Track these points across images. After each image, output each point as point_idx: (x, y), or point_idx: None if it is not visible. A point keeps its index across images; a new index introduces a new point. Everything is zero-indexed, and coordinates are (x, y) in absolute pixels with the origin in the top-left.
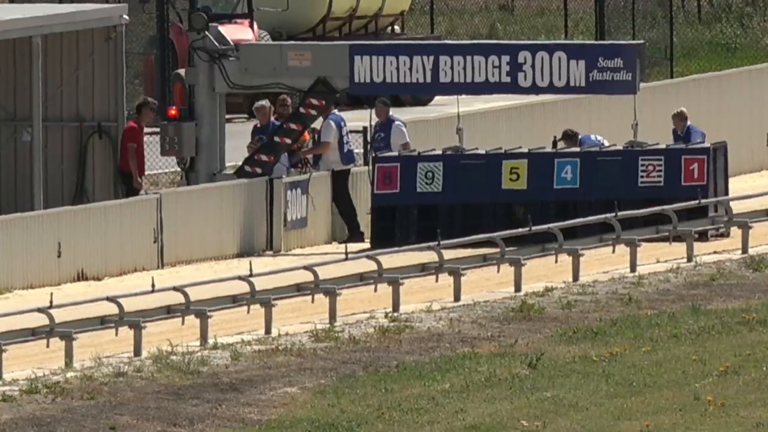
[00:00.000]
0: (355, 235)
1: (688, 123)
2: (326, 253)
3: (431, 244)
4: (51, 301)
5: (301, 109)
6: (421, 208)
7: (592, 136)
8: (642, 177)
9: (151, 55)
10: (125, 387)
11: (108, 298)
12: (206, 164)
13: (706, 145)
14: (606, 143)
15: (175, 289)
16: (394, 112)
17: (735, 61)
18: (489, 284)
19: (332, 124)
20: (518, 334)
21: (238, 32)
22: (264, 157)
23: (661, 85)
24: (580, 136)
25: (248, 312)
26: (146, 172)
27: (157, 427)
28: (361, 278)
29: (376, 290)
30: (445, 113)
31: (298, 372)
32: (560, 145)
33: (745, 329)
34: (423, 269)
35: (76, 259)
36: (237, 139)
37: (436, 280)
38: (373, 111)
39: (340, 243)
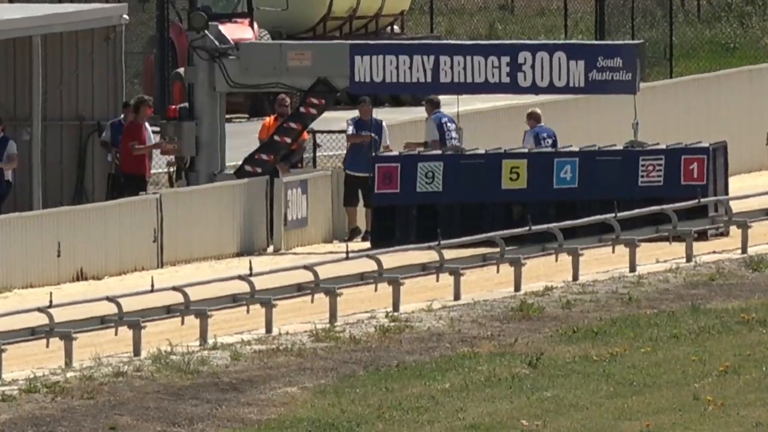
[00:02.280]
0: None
1: (540, 124)
2: (326, 253)
3: (431, 243)
4: (51, 301)
5: (302, 109)
6: (421, 207)
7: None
8: (642, 177)
9: (150, 54)
10: (125, 387)
11: (108, 298)
12: (206, 164)
13: (705, 144)
14: (551, 141)
15: (174, 288)
16: (394, 111)
17: (735, 61)
18: (489, 284)
19: (433, 122)
20: (518, 334)
21: (238, 31)
22: (264, 157)
23: (660, 85)
24: (532, 130)
25: (248, 312)
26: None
27: (157, 427)
28: (362, 278)
29: (376, 290)
30: (445, 113)
31: (298, 372)
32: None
33: (744, 329)
34: (423, 269)
35: (75, 259)
36: (237, 139)
37: (437, 280)
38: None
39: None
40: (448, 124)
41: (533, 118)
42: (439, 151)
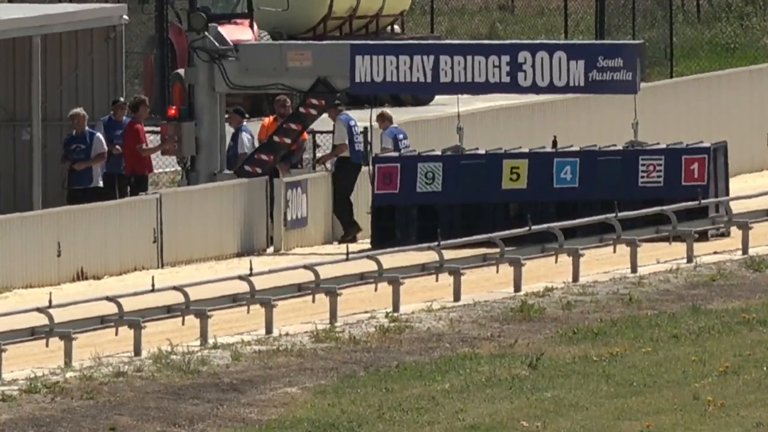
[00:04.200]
0: (350, 233)
1: (392, 125)
2: (327, 253)
3: (431, 244)
4: (50, 301)
5: (301, 109)
6: (421, 208)
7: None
8: (642, 177)
9: (150, 55)
10: (125, 387)
11: (108, 298)
12: (206, 164)
13: (706, 144)
14: (408, 142)
15: (175, 288)
16: (395, 112)
17: (735, 61)
18: (489, 284)
19: (342, 124)
20: (518, 335)
21: (237, 32)
22: (264, 157)
23: (661, 85)
24: (389, 131)
25: (248, 312)
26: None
27: (157, 427)
28: (362, 278)
29: (376, 290)
30: (445, 113)
31: (298, 372)
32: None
33: (745, 329)
34: (423, 269)
35: (75, 259)
36: None
37: (436, 280)
38: (374, 114)
39: (339, 243)
40: (355, 128)
41: (387, 119)
42: (439, 151)
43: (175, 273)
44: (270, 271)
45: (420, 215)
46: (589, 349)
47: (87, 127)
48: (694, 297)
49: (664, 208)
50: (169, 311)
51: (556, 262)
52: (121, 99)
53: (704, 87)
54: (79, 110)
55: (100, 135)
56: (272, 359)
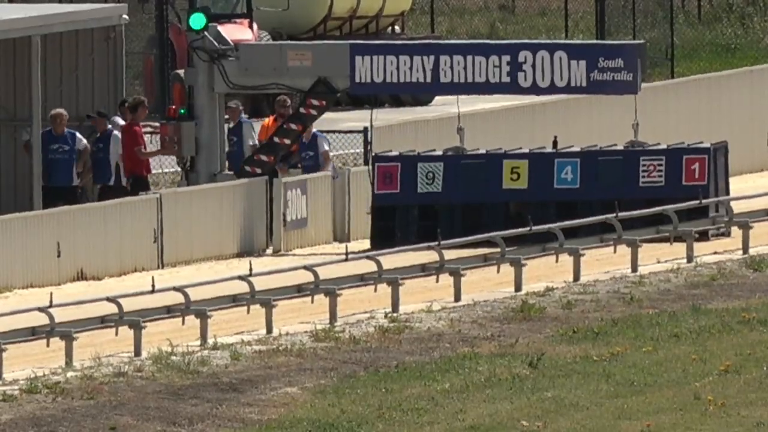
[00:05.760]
0: None
1: (314, 130)
2: (326, 254)
3: (431, 244)
4: (51, 301)
5: (302, 110)
6: (422, 208)
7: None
8: (643, 177)
9: (150, 55)
10: (125, 387)
11: (108, 298)
12: (206, 164)
13: (707, 144)
14: (326, 147)
15: (175, 289)
16: (394, 111)
17: (735, 62)
18: (489, 284)
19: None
20: (519, 334)
21: (237, 32)
22: (264, 157)
23: (661, 85)
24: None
25: (248, 312)
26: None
27: (157, 427)
28: (362, 278)
29: (376, 290)
30: (446, 113)
31: (298, 372)
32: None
33: (745, 329)
34: (423, 269)
35: (75, 259)
36: None
37: (437, 280)
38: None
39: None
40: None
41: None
42: (439, 152)
43: (175, 273)
44: (270, 272)
45: (420, 215)
46: (589, 349)
47: (66, 128)
48: (695, 296)
49: (665, 208)
50: (169, 311)
51: (556, 261)
52: (129, 99)
53: (705, 87)
54: (62, 110)
55: (79, 134)
56: (272, 359)
